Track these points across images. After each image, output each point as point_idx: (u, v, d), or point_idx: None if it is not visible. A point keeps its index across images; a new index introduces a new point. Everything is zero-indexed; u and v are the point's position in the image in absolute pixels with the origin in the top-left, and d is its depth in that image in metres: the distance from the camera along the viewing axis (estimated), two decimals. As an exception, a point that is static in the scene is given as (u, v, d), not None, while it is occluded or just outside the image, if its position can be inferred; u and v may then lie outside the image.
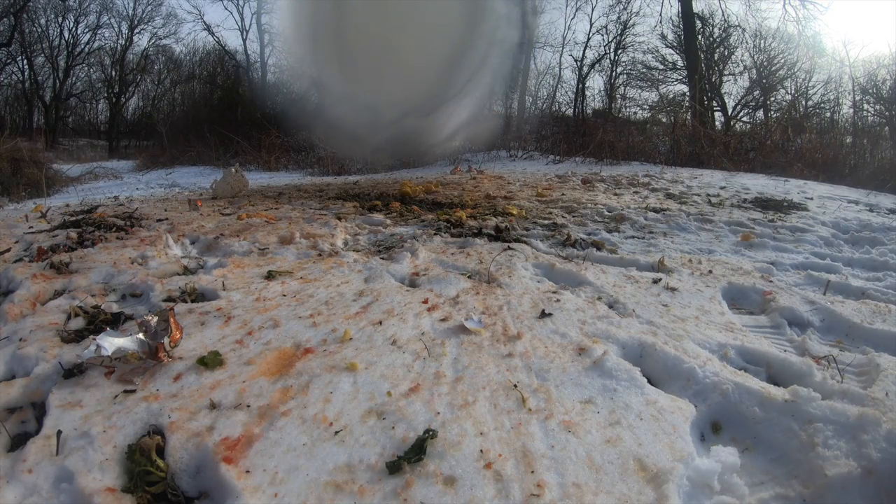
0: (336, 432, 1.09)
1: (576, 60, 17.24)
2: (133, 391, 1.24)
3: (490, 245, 2.64)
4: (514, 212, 3.65)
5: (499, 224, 3.17)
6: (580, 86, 16.83)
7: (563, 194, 4.70)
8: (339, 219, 3.36)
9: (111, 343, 1.33)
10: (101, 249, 2.44)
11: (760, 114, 13.68)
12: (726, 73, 14.26)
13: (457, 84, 4.45)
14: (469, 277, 2.10)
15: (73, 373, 1.30)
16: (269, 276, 2.09)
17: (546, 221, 3.39)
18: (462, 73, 4.41)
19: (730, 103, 14.37)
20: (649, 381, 1.32)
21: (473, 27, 4.40)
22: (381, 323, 1.60)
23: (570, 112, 15.45)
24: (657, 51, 15.77)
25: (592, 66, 17.20)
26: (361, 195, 4.66)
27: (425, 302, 1.78)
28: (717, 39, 14.15)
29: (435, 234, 2.94)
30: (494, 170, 7.53)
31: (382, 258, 2.41)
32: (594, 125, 10.23)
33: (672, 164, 7.85)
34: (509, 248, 2.54)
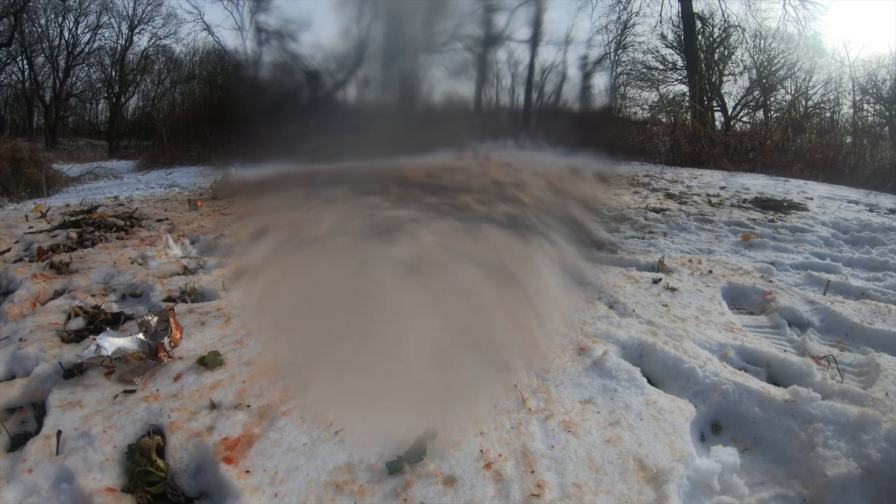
0: (336, 432, 1.09)
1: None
2: (133, 391, 1.24)
3: (490, 245, 2.64)
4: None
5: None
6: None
7: (563, 194, 4.69)
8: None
9: (111, 343, 1.33)
10: (101, 249, 2.44)
11: (760, 114, 13.64)
12: (726, 73, 14.23)
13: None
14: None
15: (73, 373, 1.30)
16: (269, 276, 2.09)
17: (546, 221, 3.38)
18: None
19: (730, 103, 14.33)
20: (649, 381, 1.32)
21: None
22: (381, 323, 1.60)
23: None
24: (657, 51, 15.73)
25: (594, 65, 17.19)
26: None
27: (425, 302, 1.78)
28: (717, 39, 14.12)
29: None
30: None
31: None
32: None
33: (672, 164, 7.84)
34: (509, 248, 2.54)
